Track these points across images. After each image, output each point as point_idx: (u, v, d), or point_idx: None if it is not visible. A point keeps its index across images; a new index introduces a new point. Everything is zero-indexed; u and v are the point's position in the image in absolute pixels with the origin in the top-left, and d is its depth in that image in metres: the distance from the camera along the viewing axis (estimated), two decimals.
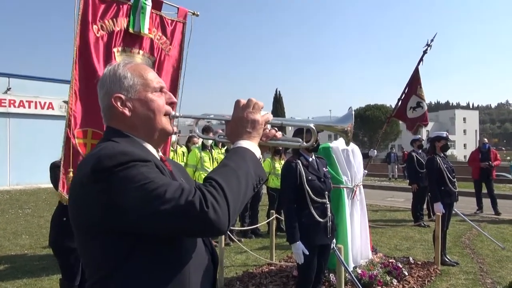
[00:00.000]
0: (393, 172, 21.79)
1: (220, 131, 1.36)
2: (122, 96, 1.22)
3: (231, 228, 6.45)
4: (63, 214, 3.42)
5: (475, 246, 6.63)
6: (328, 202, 3.54)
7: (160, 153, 1.31)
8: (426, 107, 6.98)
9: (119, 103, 1.22)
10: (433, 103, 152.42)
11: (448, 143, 5.97)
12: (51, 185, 3.86)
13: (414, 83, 6.87)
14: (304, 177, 3.43)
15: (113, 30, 3.88)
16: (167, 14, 4.42)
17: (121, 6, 3.95)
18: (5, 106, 17.12)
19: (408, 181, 10.19)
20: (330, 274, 4.52)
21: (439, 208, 5.49)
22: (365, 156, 6.62)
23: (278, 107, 53.62)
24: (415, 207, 8.66)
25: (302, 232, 3.36)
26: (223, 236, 5.00)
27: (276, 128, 1.32)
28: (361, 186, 5.20)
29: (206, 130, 6.48)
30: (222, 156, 6.78)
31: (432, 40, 6.68)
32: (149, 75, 1.27)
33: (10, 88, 17.34)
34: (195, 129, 1.45)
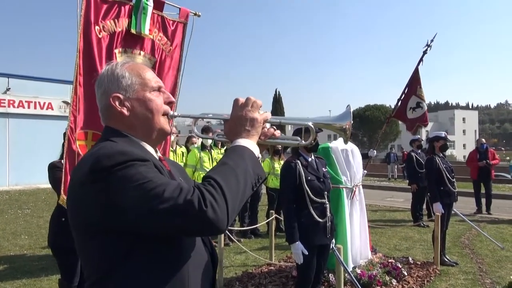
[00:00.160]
0: (393, 172, 21.80)
1: (220, 131, 1.36)
2: (120, 96, 1.22)
3: (231, 228, 6.47)
4: (62, 214, 3.41)
5: (474, 246, 6.63)
6: (327, 202, 3.54)
7: (159, 153, 1.31)
8: (426, 108, 6.98)
9: (117, 103, 1.22)
10: (432, 103, 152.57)
11: (447, 143, 5.98)
12: (50, 186, 3.85)
13: (414, 84, 6.87)
14: (304, 177, 3.43)
15: (114, 31, 3.86)
16: (169, 14, 4.40)
17: (122, 6, 3.91)
18: (4, 106, 17.12)
19: (407, 181, 10.20)
20: (330, 274, 4.52)
21: (438, 208, 5.49)
22: (365, 156, 6.62)
23: (277, 107, 53.64)
24: (415, 207, 8.66)
25: (302, 232, 3.36)
26: (222, 236, 5.00)
27: (274, 127, 1.32)
28: (361, 186, 5.20)
29: (205, 130, 6.49)
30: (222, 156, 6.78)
31: (432, 41, 6.69)
32: (147, 75, 1.27)
33: (9, 88, 17.34)
34: (194, 129, 1.45)
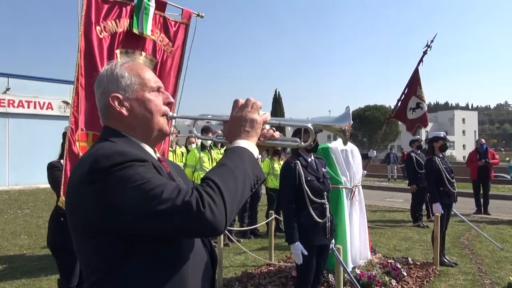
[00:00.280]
0: (392, 173, 21.79)
1: (220, 132, 1.36)
2: (120, 96, 1.22)
3: (230, 228, 6.47)
4: (61, 214, 3.41)
5: (474, 247, 6.63)
6: (327, 203, 3.54)
7: (158, 154, 1.31)
8: (426, 108, 6.97)
9: (116, 103, 1.22)
10: (432, 103, 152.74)
11: (446, 143, 5.98)
12: (49, 186, 3.85)
13: (414, 84, 6.87)
14: (303, 178, 3.43)
15: (115, 31, 3.83)
16: (171, 15, 4.36)
17: (124, 7, 3.88)
18: (4, 106, 17.11)
19: (407, 181, 10.20)
20: (329, 275, 4.52)
21: (438, 208, 5.49)
22: (364, 156, 6.62)
23: (277, 108, 53.61)
24: (414, 207, 8.66)
25: (301, 233, 3.36)
26: (222, 237, 4.99)
27: (274, 128, 1.32)
28: (360, 187, 5.20)
29: (205, 130, 6.49)
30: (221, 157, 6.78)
31: (432, 41, 6.69)
32: (146, 75, 1.26)
33: (9, 88, 17.33)
34: (193, 130, 1.44)
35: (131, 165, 1.04)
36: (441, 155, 5.84)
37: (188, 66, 4.43)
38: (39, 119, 17.70)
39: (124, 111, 1.21)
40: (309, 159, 3.58)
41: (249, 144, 1.20)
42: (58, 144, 3.88)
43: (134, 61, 1.34)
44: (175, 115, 1.31)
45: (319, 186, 3.50)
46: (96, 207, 1.04)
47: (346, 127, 1.29)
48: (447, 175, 5.61)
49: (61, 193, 3.48)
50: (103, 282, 1.09)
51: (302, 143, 1.31)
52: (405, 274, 4.90)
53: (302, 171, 3.45)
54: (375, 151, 7.12)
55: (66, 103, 18.15)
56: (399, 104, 6.95)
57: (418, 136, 9.02)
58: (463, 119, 77.59)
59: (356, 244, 4.92)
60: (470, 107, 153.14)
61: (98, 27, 3.69)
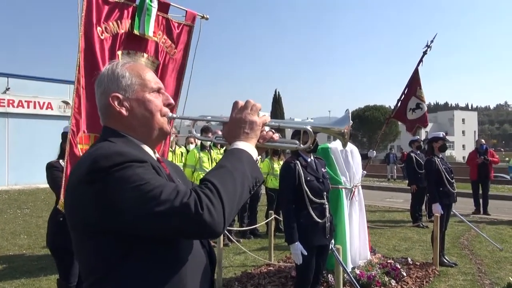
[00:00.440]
0: (392, 173, 21.79)
1: (219, 132, 1.37)
2: (120, 96, 1.22)
3: (230, 228, 6.47)
4: (61, 214, 3.41)
5: (473, 247, 6.63)
6: (326, 203, 3.54)
7: (157, 154, 1.31)
8: (425, 109, 6.97)
9: (116, 103, 1.22)
10: (432, 104, 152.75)
11: (446, 143, 5.98)
12: (49, 186, 3.84)
13: (413, 84, 6.87)
14: (303, 178, 3.43)
15: (117, 32, 3.79)
16: (174, 17, 4.32)
17: (125, 8, 3.85)
18: (4, 106, 17.11)
19: (407, 182, 10.20)
20: (329, 275, 4.53)
21: (437, 209, 5.49)
22: (364, 156, 6.62)
23: (277, 108, 53.58)
24: (414, 208, 8.67)
25: (301, 233, 3.36)
26: (221, 237, 5.00)
27: (273, 130, 1.32)
28: (360, 187, 5.20)
29: (205, 130, 6.48)
30: (221, 157, 6.78)
31: (432, 41, 6.69)
32: (147, 75, 1.27)
33: (9, 88, 17.33)
34: (193, 131, 1.44)
35: (130, 166, 1.04)
36: (440, 156, 5.85)
37: (188, 67, 4.41)
38: (39, 119, 17.70)
39: (123, 111, 1.22)
40: (309, 159, 3.58)
41: (248, 146, 1.20)
42: (57, 144, 3.88)
43: (135, 61, 1.34)
44: (175, 115, 1.31)
45: (319, 186, 3.50)
46: (95, 207, 1.04)
47: (345, 130, 1.29)
48: (447, 176, 5.61)
49: (61, 195, 3.47)
50: (102, 282, 1.09)
51: (301, 145, 1.31)
52: (404, 274, 4.90)
53: (301, 171, 3.45)
54: (374, 151, 7.13)
55: (66, 103, 18.15)
56: (398, 104, 6.95)
57: (418, 137, 9.02)
58: (463, 120, 77.59)
59: (355, 244, 4.92)
60: (470, 108, 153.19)
61: (99, 28, 3.66)
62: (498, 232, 7.78)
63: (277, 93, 55.59)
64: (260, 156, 1.26)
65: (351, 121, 1.37)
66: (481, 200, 10.04)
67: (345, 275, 3.99)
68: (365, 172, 6.13)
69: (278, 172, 4.28)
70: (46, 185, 4.05)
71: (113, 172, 1.03)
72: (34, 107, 17.93)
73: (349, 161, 4.94)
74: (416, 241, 7.08)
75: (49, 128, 15.69)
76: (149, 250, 1.09)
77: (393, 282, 4.64)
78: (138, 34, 3.90)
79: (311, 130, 1.28)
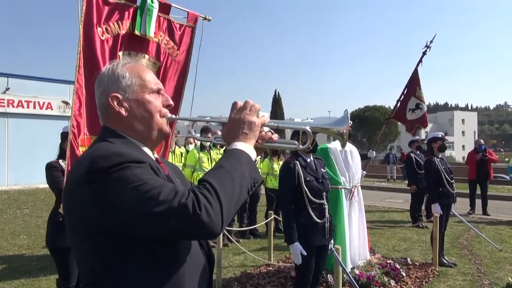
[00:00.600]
0: (392, 173, 21.78)
1: (219, 133, 1.37)
2: (119, 96, 1.22)
3: (230, 228, 6.47)
4: (60, 214, 3.41)
5: (473, 248, 6.64)
6: (326, 203, 3.54)
7: (156, 155, 1.31)
8: (425, 109, 6.97)
9: (115, 103, 1.22)
10: (431, 104, 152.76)
11: (445, 144, 5.98)
12: (48, 186, 3.84)
13: (413, 85, 6.87)
14: (302, 178, 3.43)
15: (118, 33, 3.77)
16: (176, 18, 4.29)
17: (126, 8, 3.83)
18: (4, 106, 17.11)
19: (406, 182, 10.20)
20: (328, 275, 4.53)
21: (436, 209, 5.49)
22: (364, 157, 6.62)
23: (277, 108, 53.63)
24: (414, 208, 8.67)
25: (300, 233, 3.36)
26: (221, 237, 5.00)
27: (272, 131, 1.32)
28: (359, 187, 5.20)
29: (204, 130, 6.49)
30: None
31: (431, 41, 6.70)
32: (147, 76, 1.27)
33: (8, 88, 17.32)
34: (192, 132, 1.45)
35: (128, 166, 1.04)
36: (440, 156, 5.85)
37: (192, 68, 4.39)
38: (39, 119, 17.70)
39: (123, 111, 1.22)
40: (308, 160, 3.58)
41: (247, 147, 1.20)
42: (57, 144, 3.88)
43: (136, 62, 1.34)
44: (174, 116, 1.32)
45: (318, 186, 3.50)
46: (93, 207, 1.04)
47: (344, 130, 1.29)
48: (446, 176, 5.61)
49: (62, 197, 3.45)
50: (100, 282, 1.09)
51: (300, 145, 1.31)
52: (404, 274, 4.90)
53: (301, 172, 3.45)
54: (374, 152, 7.13)
55: (66, 103, 18.15)
56: (398, 104, 6.95)
57: (418, 137, 9.01)
58: (463, 120, 77.57)
59: (355, 244, 4.92)
60: (469, 108, 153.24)
61: (99, 29, 3.65)
62: (498, 233, 7.79)
63: (277, 94, 55.64)
64: (259, 157, 1.26)
65: (350, 121, 1.37)
66: (480, 201, 10.03)
67: (345, 275, 3.99)
68: (364, 172, 6.14)
69: (278, 173, 4.27)
70: (45, 185, 4.04)
71: (111, 173, 1.03)
72: (34, 107, 17.93)
73: (349, 162, 4.94)
74: (416, 242, 7.09)
75: (48, 128, 15.68)
76: (147, 250, 1.09)
77: (392, 282, 4.64)
78: (139, 34, 3.89)
79: (310, 130, 1.28)
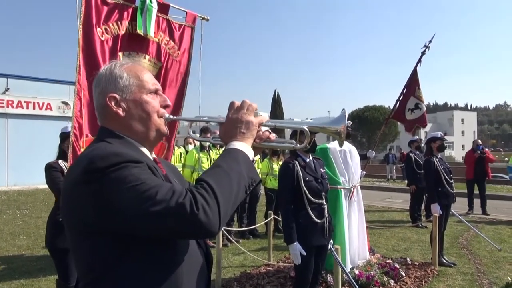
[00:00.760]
0: (391, 173, 21.80)
1: (217, 133, 1.37)
2: (117, 96, 1.23)
3: (229, 229, 6.47)
4: (59, 214, 3.41)
5: (472, 247, 6.64)
6: (325, 203, 3.55)
7: (154, 155, 1.31)
8: (424, 109, 6.97)
9: (113, 103, 1.22)
10: (431, 104, 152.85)
11: (444, 144, 5.98)
12: (47, 186, 3.84)
13: (412, 85, 6.88)
14: (301, 178, 3.43)
15: (118, 33, 3.76)
16: (175, 18, 4.28)
17: (125, 9, 3.83)
18: (3, 107, 17.12)
19: (406, 182, 10.20)
20: (327, 275, 4.53)
21: (436, 209, 5.50)
22: (363, 157, 6.63)
23: (276, 108, 53.67)
24: (413, 208, 8.68)
25: (300, 233, 3.36)
26: (220, 237, 5.00)
27: (270, 130, 1.32)
28: (359, 187, 5.20)
29: (204, 131, 6.50)
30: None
31: (430, 42, 6.70)
32: (145, 77, 1.27)
33: (8, 89, 17.33)
34: (190, 132, 1.45)
35: (126, 166, 1.05)
36: (439, 156, 5.85)
37: (192, 67, 4.39)
38: (38, 119, 17.71)
39: (120, 111, 1.22)
40: (308, 160, 3.58)
41: (244, 146, 1.20)
42: (57, 145, 3.88)
43: (135, 62, 1.35)
44: (171, 116, 1.32)
45: (317, 186, 3.50)
46: (92, 207, 1.04)
47: (342, 129, 1.29)
48: (446, 176, 5.61)
49: None
50: (98, 282, 1.10)
51: (298, 144, 1.32)
52: (403, 274, 4.91)
53: (300, 172, 3.46)
54: (373, 152, 7.13)
55: (65, 103, 18.16)
56: (397, 104, 6.96)
57: (417, 137, 9.01)
58: (462, 120, 77.61)
59: (354, 244, 4.92)
60: (469, 108, 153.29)
61: (99, 29, 3.64)
62: (497, 232, 7.79)
63: (276, 94, 55.71)
64: (259, 157, 1.26)
65: (349, 121, 1.37)
66: (477, 200, 10.03)
67: (344, 275, 3.99)
68: (364, 172, 6.14)
69: (277, 172, 4.28)
70: (45, 186, 4.05)
71: (109, 173, 1.03)
72: (34, 108, 17.93)
73: (348, 161, 4.94)
74: (415, 241, 7.09)
75: (48, 129, 15.66)
76: (145, 250, 1.09)
77: (392, 282, 4.64)
78: (141, 33, 3.88)
79: (307, 129, 1.29)
